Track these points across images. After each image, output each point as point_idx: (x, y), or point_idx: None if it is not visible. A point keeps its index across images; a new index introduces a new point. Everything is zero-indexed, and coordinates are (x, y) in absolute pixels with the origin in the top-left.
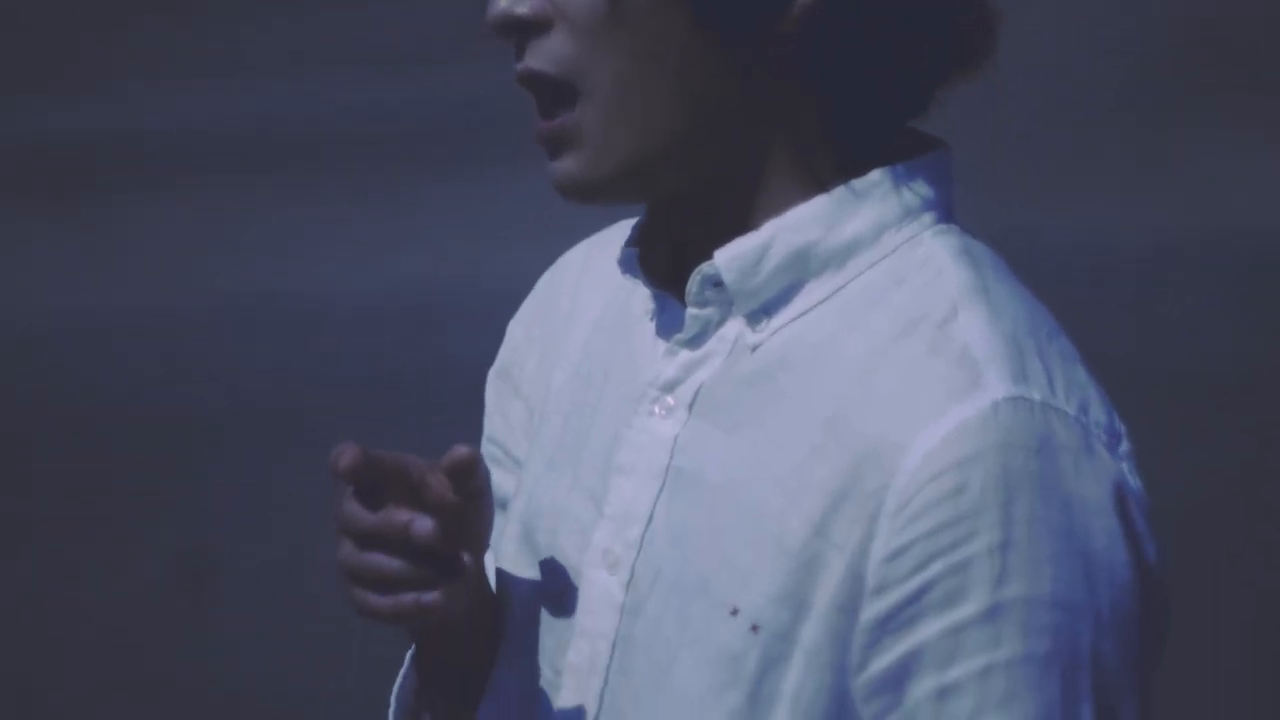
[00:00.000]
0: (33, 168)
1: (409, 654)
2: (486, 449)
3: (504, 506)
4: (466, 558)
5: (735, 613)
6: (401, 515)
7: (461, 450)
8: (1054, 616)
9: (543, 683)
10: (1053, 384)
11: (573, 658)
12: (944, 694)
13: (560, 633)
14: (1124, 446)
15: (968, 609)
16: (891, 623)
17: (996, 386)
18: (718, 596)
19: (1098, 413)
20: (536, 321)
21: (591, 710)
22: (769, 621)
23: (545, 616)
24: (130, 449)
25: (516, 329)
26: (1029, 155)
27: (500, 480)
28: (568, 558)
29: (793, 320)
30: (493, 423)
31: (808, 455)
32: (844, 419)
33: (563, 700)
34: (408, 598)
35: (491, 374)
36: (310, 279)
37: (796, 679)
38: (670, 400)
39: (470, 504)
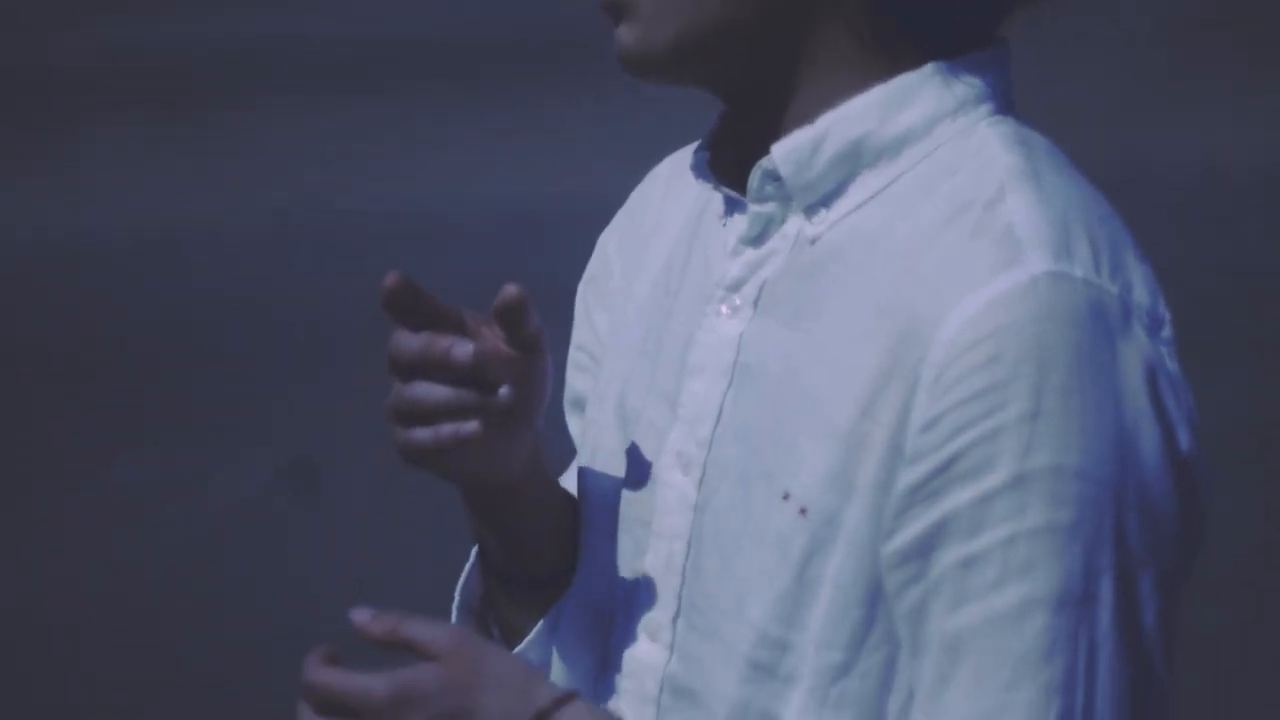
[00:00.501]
0: (147, 77)
1: (474, 550)
2: (574, 356)
3: (582, 408)
4: (505, 390)
5: (787, 497)
6: (443, 341)
7: (510, 290)
8: (1081, 487)
9: (621, 588)
10: (1097, 263)
11: (650, 560)
12: (968, 564)
13: (638, 537)
14: (1166, 332)
15: (995, 478)
16: (921, 491)
17: (1037, 262)
18: (776, 484)
19: (1141, 295)
20: (624, 234)
21: (670, 610)
22: (816, 504)
23: (623, 521)
24: (238, 361)
25: (607, 240)
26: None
27: (585, 386)
28: (644, 461)
29: (849, 212)
30: (580, 331)
31: (859, 341)
32: (892, 303)
33: (642, 603)
34: (446, 428)
35: (581, 284)
36: (422, 193)
37: (838, 562)
38: (736, 299)
39: (525, 357)
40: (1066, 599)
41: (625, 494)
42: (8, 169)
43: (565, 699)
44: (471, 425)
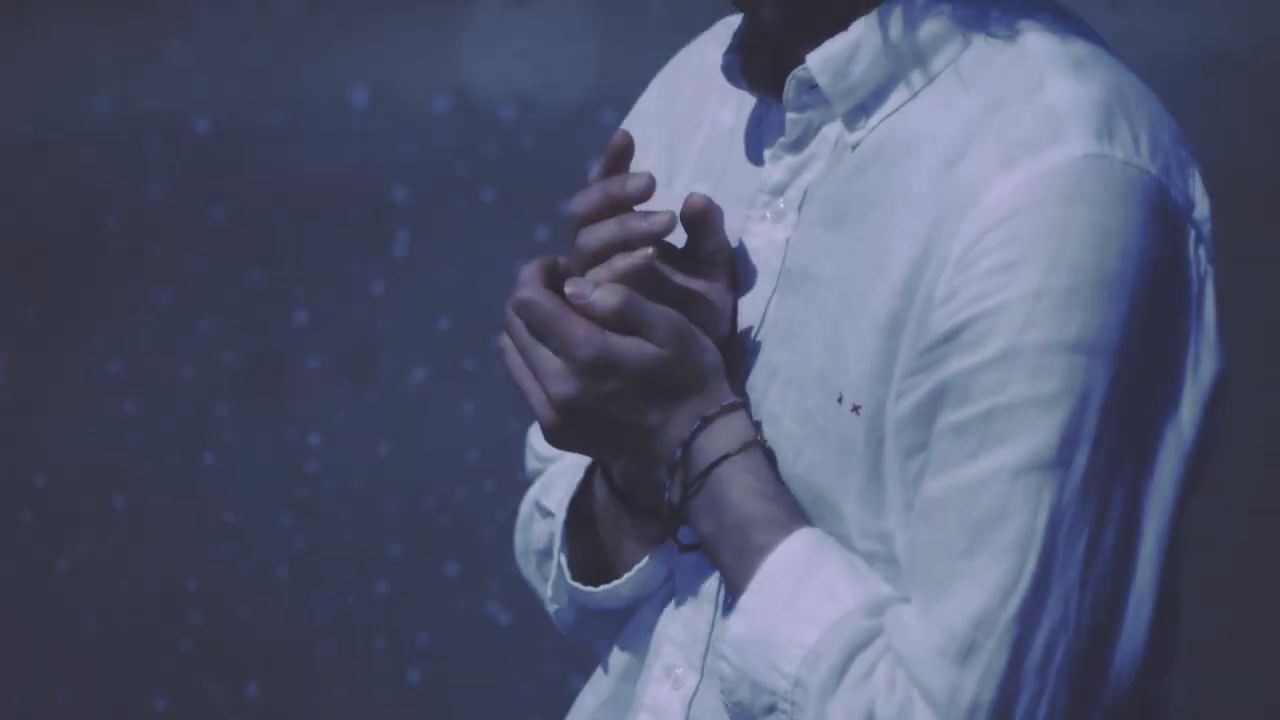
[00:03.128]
0: None
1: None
2: None
3: None
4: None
5: (841, 399)
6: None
7: (697, 198)
8: (1071, 360)
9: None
10: (1138, 144)
11: None
12: (954, 433)
13: None
14: (1200, 213)
15: (986, 351)
16: (926, 358)
17: (1077, 144)
18: (830, 386)
19: (1179, 179)
20: (658, 120)
21: None
22: (868, 400)
23: None
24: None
25: (654, 86)
26: None
27: None
28: None
29: (889, 115)
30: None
31: (900, 236)
32: (932, 194)
33: None
34: (620, 259)
35: (629, 120)
36: None
37: (891, 452)
38: (780, 204)
39: (707, 269)
40: (1034, 465)
41: None
42: None
43: (731, 407)
44: (644, 251)
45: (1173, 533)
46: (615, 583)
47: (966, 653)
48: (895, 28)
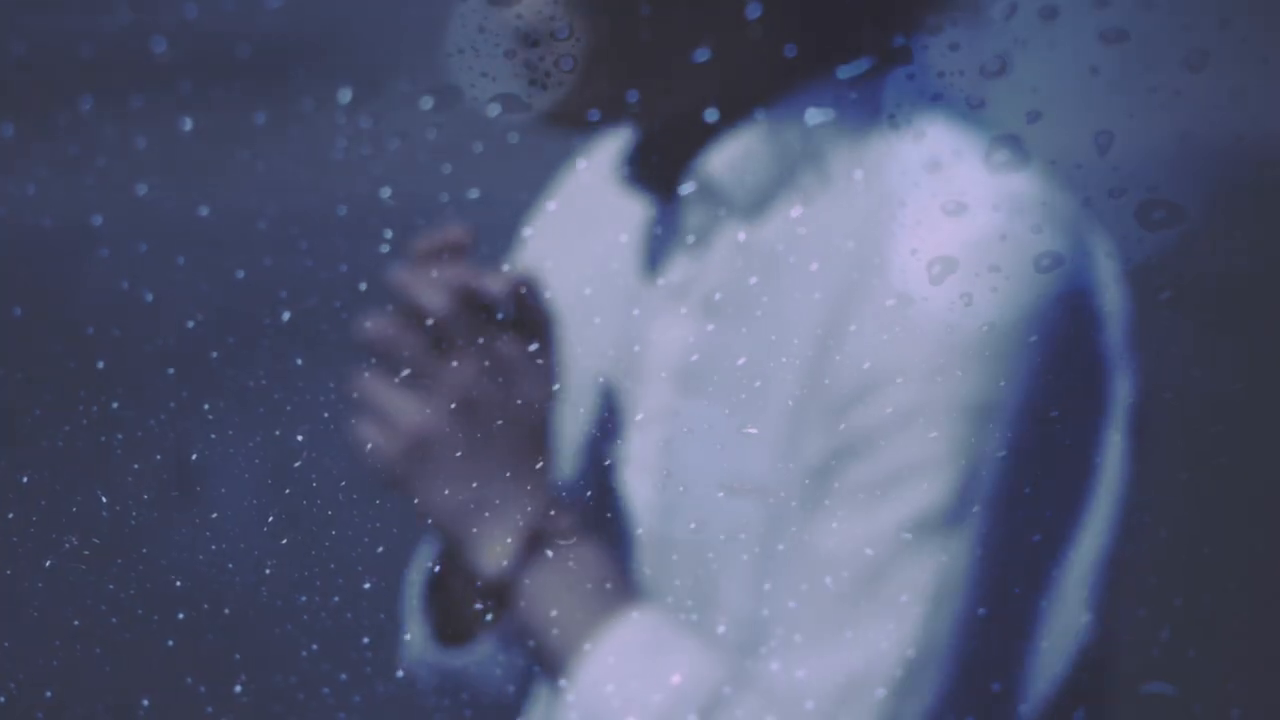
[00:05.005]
0: None
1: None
2: None
3: None
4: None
5: (739, 484)
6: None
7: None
8: (965, 422)
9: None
10: (1051, 222)
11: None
12: (853, 488)
13: (622, 544)
14: (1107, 299)
15: (885, 411)
16: (825, 420)
17: (983, 221)
18: (732, 472)
19: (1086, 263)
20: (551, 235)
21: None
22: (773, 480)
23: (603, 530)
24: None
25: (532, 238)
26: None
27: None
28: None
29: (787, 214)
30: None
31: (806, 321)
32: (836, 278)
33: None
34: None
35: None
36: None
37: (793, 527)
38: (681, 308)
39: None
40: (925, 524)
41: (591, 493)
42: None
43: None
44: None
45: (1075, 582)
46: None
47: (847, 696)
48: (789, 130)
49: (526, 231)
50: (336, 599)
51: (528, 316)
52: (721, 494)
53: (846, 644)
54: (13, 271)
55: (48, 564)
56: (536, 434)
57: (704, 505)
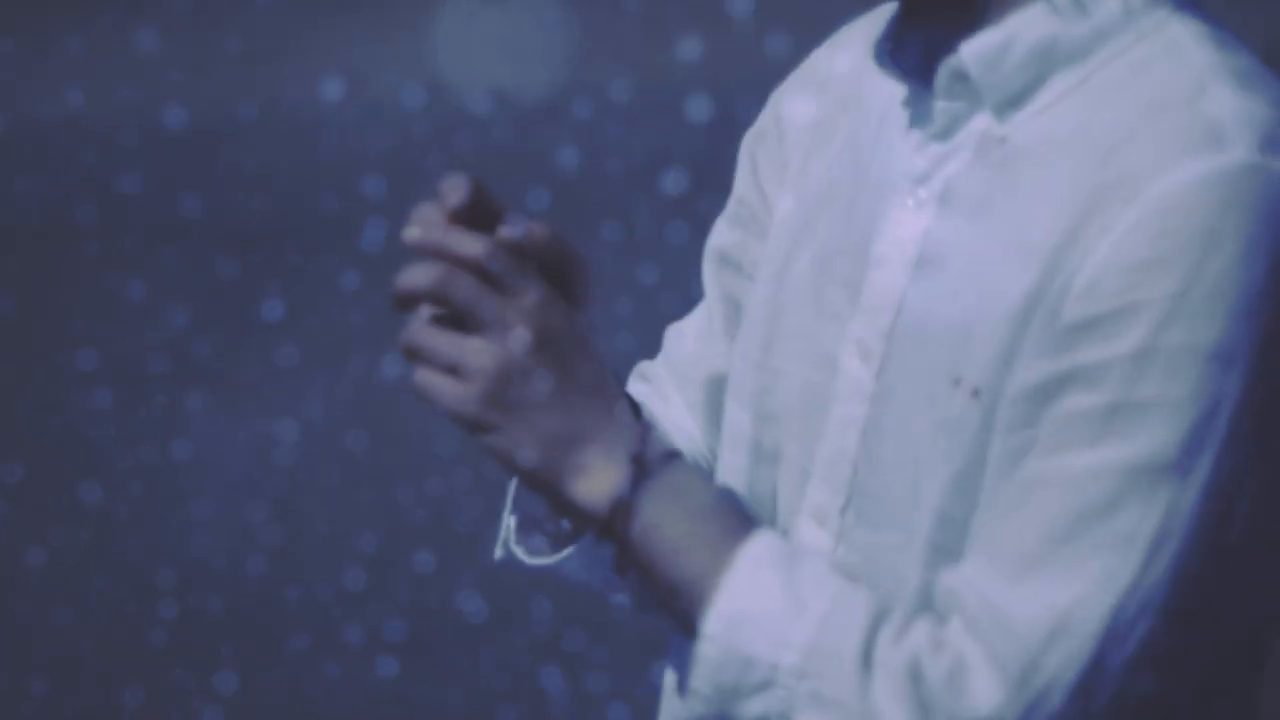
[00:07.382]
0: None
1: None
2: (733, 209)
3: (739, 268)
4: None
5: (958, 382)
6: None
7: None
8: (1206, 367)
9: (787, 473)
10: None
11: (825, 447)
12: (1071, 420)
13: (814, 422)
14: None
15: (1120, 346)
16: (1055, 343)
17: (1239, 152)
18: (951, 371)
19: None
20: (802, 104)
21: (840, 500)
22: (989, 385)
23: (799, 406)
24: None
25: (782, 103)
26: None
27: (735, 240)
28: (824, 347)
29: (1039, 113)
30: (743, 185)
31: (1046, 230)
32: (1081, 192)
33: (809, 491)
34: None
35: (748, 136)
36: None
37: (999, 439)
38: (922, 193)
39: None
40: (1153, 465)
41: (801, 377)
42: None
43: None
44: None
45: None
46: (553, 559)
47: (1054, 634)
48: (1048, 26)
49: (778, 96)
50: (324, 593)
51: (555, 258)
52: (941, 388)
53: (1052, 580)
54: None
55: (36, 557)
56: (604, 359)
57: (919, 397)
